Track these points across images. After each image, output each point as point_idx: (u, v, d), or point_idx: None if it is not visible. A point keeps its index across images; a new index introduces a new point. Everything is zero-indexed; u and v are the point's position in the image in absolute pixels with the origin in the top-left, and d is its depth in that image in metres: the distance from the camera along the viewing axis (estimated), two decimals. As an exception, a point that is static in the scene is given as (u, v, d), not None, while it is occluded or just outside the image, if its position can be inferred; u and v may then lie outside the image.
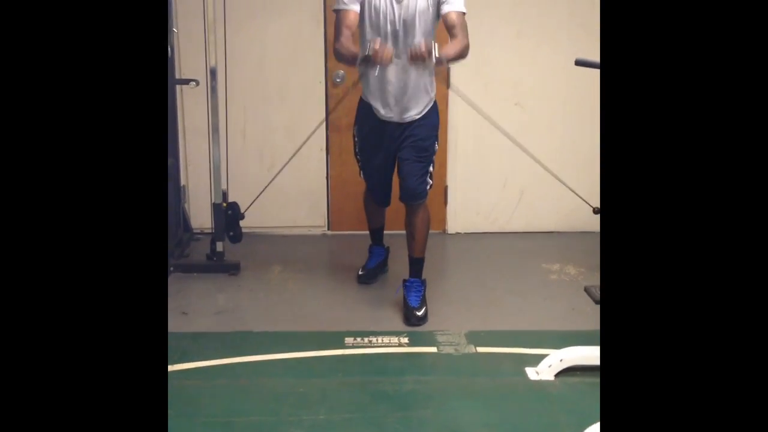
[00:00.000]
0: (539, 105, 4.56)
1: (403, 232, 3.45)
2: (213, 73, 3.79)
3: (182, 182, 4.41)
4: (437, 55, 2.87)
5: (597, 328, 3.12)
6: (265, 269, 3.99)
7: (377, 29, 3.15)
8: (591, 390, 2.66)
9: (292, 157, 3.62)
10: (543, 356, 2.83)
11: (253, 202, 3.76)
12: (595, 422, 2.30)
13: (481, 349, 3.02)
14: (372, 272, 3.82)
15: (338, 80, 4.43)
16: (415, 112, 3.25)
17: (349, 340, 3.09)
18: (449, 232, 4.71)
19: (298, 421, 2.47)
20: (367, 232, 3.87)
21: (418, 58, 2.87)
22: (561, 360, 2.75)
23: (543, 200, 4.62)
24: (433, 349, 3.03)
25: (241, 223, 3.88)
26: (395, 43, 3.14)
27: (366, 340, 3.10)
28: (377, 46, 2.85)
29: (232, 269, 3.92)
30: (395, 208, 3.58)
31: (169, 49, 3.92)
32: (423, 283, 3.41)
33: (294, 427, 2.44)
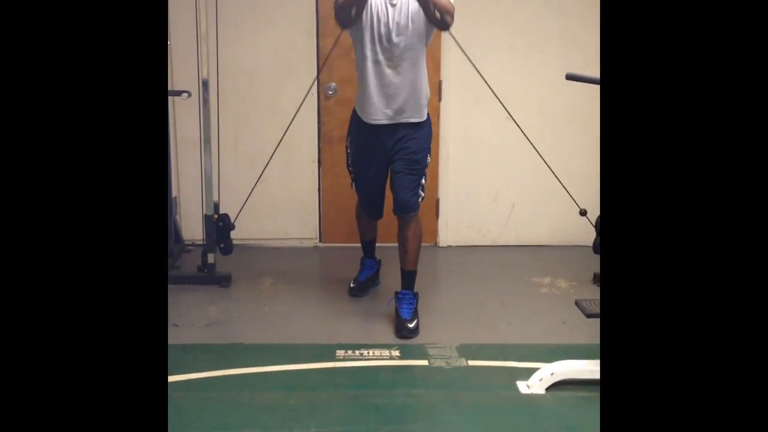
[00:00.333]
0: (531, 119, 4.57)
1: (395, 244, 3.45)
2: (205, 84, 3.80)
3: (174, 194, 4.40)
4: None
5: (588, 341, 3.15)
6: (256, 281, 3.98)
7: (371, 31, 3.16)
8: (582, 404, 2.66)
9: (269, 163, 3.61)
10: (534, 370, 2.82)
11: (241, 210, 3.75)
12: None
13: (472, 363, 3.02)
14: (363, 285, 3.82)
15: (330, 92, 4.44)
16: (409, 114, 3.25)
17: (340, 352, 3.08)
18: (441, 245, 4.71)
19: (289, 435, 2.46)
20: (359, 244, 3.87)
21: None
22: (552, 374, 2.75)
23: (534, 214, 4.63)
24: (425, 362, 3.03)
25: (233, 234, 3.87)
26: (389, 46, 3.16)
27: (357, 352, 3.09)
28: None
29: (223, 281, 3.91)
30: (387, 221, 3.58)
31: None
32: (415, 295, 3.41)
33: (285, 441, 2.43)
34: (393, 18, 3.14)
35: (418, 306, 3.41)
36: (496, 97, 3.48)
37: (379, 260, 3.89)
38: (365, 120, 3.30)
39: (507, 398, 2.73)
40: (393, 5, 3.14)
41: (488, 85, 3.44)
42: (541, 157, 3.54)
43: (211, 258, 3.92)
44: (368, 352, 3.10)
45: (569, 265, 4.24)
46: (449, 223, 4.69)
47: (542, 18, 4.44)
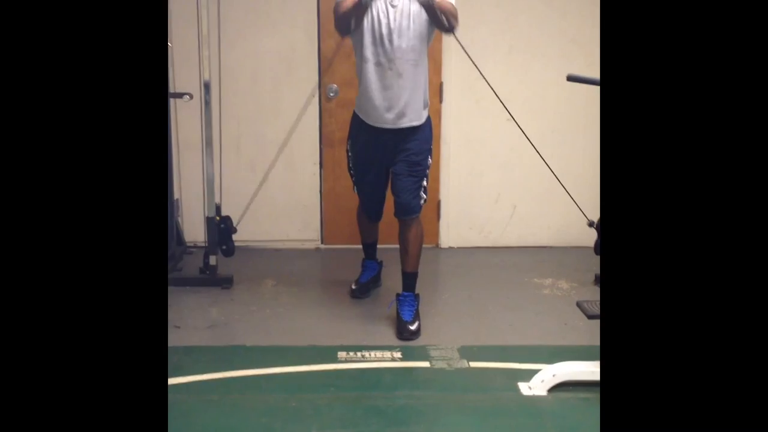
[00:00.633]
0: (532, 120, 4.58)
1: (397, 246, 3.45)
2: (207, 87, 3.80)
3: (175, 196, 4.41)
4: None
5: (589, 343, 3.14)
6: (258, 283, 3.99)
7: (372, 32, 3.16)
8: (583, 405, 2.66)
9: (277, 159, 3.62)
10: (535, 371, 2.82)
11: (244, 213, 3.75)
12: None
13: (473, 364, 3.02)
14: (365, 286, 3.82)
15: (332, 94, 4.45)
16: (410, 118, 3.25)
17: (341, 354, 3.09)
18: (442, 246, 4.72)
19: (291, 436, 2.47)
20: (360, 246, 3.87)
21: None
22: (553, 375, 2.75)
23: (535, 215, 4.63)
24: (426, 364, 3.03)
25: (235, 236, 3.88)
26: (390, 47, 3.15)
27: (359, 354, 3.09)
28: None
29: (225, 283, 3.91)
30: (389, 223, 3.59)
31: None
32: (416, 297, 3.41)
33: (286, 442, 2.44)
34: (394, 19, 3.14)
35: (420, 308, 3.41)
36: (498, 97, 3.49)
37: (381, 262, 3.89)
38: (368, 122, 3.30)
39: (508, 400, 2.73)
40: (394, 6, 3.14)
41: (491, 86, 3.45)
42: (545, 161, 3.54)
43: (212, 260, 3.92)
44: (370, 354, 3.10)
45: (571, 267, 4.24)
46: (450, 224, 4.70)
47: (543, 20, 4.44)
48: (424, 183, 3.36)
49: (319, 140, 4.51)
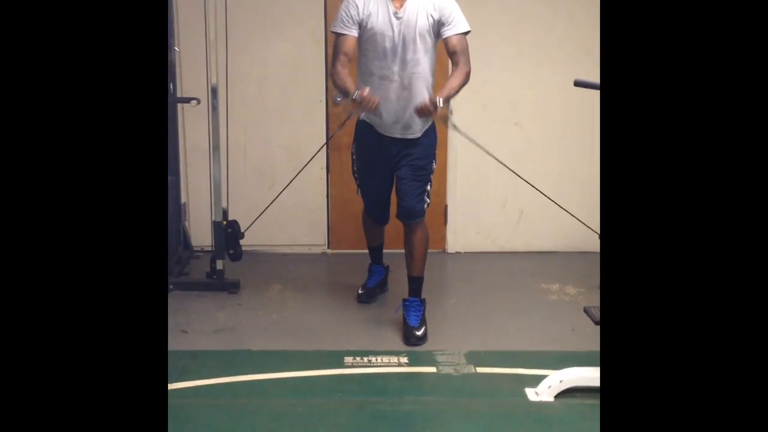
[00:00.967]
0: (539, 125, 4.58)
1: (403, 251, 3.45)
2: (214, 91, 3.81)
3: (183, 200, 4.42)
4: (441, 105, 3.00)
5: (597, 348, 3.11)
6: (264, 288, 3.99)
7: (376, 46, 3.17)
8: (591, 411, 2.65)
9: (294, 178, 3.62)
10: (543, 377, 2.81)
11: (253, 222, 3.76)
12: (595, 444, 2.29)
13: (480, 370, 3.01)
14: (371, 291, 3.82)
15: (338, 99, 4.45)
16: (417, 129, 3.26)
17: (348, 359, 3.08)
18: (449, 251, 4.71)
19: (297, 442, 2.46)
20: (367, 251, 3.87)
21: (425, 113, 3.05)
22: (561, 381, 2.74)
23: (543, 220, 4.62)
24: (433, 369, 3.02)
25: (242, 241, 3.88)
26: (394, 60, 3.16)
27: (365, 359, 3.09)
28: (365, 94, 2.97)
29: (232, 287, 3.91)
30: (395, 227, 3.58)
31: (169, 67, 3.95)
32: (423, 302, 3.41)
33: (293, 448, 2.43)
34: (399, 32, 3.13)
35: (426, 313, 3.40)
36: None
37: (387, 266, 3.89)
38: (376, 128, 3.31)
39: (515, 406, 2.72)
40: (398, 18, 3.13)
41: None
42: (532, 184, 3.52)
43: (219, 264, 3.93)
44: (376, 359, 3.09)
45: (578, 272, 4.23)
46: (457, 229, 4.69)
47: (550, 25, 4.44)
48: (428, 187, 3.36)
49: (326, 145, 4.50)
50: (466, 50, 3.17)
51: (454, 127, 3.17)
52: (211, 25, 3.73)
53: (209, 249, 4.12)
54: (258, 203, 3.82)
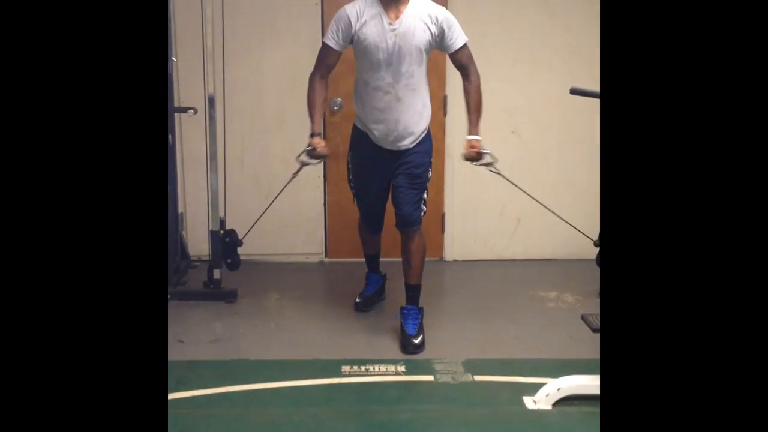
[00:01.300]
0: (535, 133, 4.59)
1: (400, 259, 3.45)
2: (211, 101, 3.82)
3: (180, 209, 4.42)
4: (486, 151, 3.26)
5: (595, 356, 3.11)
6: (262, 297, 3.98)
7: (370, 57, 3.18)
8: (589, 419, 2.65)
9: (287, 184, 3.62)
10: (540, 385, 2.81)
11: (251, 229, 3.76)
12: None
13: (478, 378, 3.00)
14: (369, 300, 3.81)
15: (336, 108, 4.46)
16: (409, 141, 3.28)
17: (345, 368, 3.07)
18: (447, 259, 4.71)
19: (294, 451, 2.45)
20: (364, 259, 3.87)
21: (474, 159, 3.26)
22: (559, 389, 2.74)
23: (540, 228, 4.62)
24: (430, 378, 3.02)
25: (239, 250, 3.87)
26: (388, 71, 3.17)
27: (362, 368, 3.08)
28: (318, 149, 3.23)
29: (229, 297, 3.91)
30: (392, 236, 3.58)
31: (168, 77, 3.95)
32: (420, 310, 3.40)
33: (290, 457, 2.42)
34: (395, 43, 3.14)
35: (424, 321, 3.40)
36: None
37: (385, 275, 3.88)
38: (367, 139, 3.33)
39: (513, 414, 2.72)
40: (394, 30, 3.14)
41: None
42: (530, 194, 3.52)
43: (217, 274, 3.92)
44: (373, 368, 3.09)
45: (576, 279, 4.22)
46: (455, 237, 4.69)
47: (547, 33, 4.45)
48: (425, 195, 3.36)
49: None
50: (472, 59, 3.27)
51: (498, 172, 3.27)
52: (208, 34, 3.74)
53: (206, 258, 4.12)
54: (255, 212, 3.82)
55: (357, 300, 3.82)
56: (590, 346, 3.23)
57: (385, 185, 3.40)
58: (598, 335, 2.71)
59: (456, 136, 4.52)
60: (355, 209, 3.67)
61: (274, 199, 3.70)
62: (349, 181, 3.55)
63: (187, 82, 4.26)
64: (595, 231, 3.86)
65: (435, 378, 3.01)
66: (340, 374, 3.02)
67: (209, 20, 3.73)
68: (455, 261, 4.70)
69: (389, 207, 3.46)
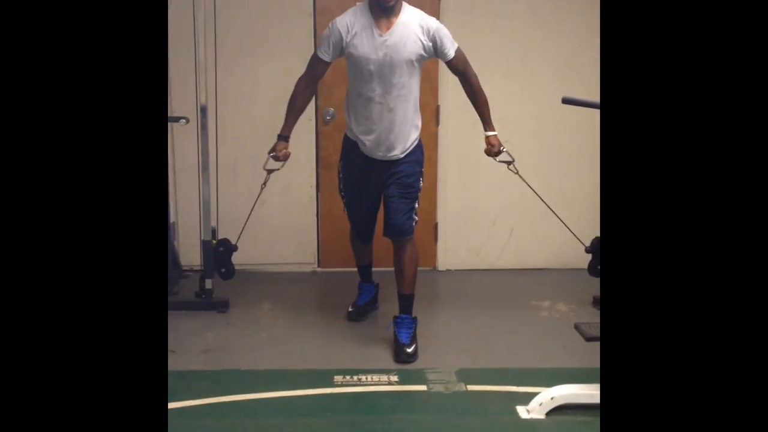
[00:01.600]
0: (528, 143, 4.59)
1: (393, 269, 3.44)
2: (203, 111, 3.81)
3: (172, 219, 4.40)
4: (504, 148, 3.43)
5: (588, 365, 3.12)
6: (254, 306, 3.97)
7: (361, 69, 3.19)
8: (582, 428, 2.64)
9: (264, 188, 3.61)
10: (534, 394, 2.80)
11: (239, 237, 3.74)
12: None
13: (471, 387, 2.99)
14: (362, 309, 3.80)
15: (328, 118, 4.46)
16: (399, 151, 3.28)
17: (338, 378, 3.06)
18: (440, 269, 4.70)
19: (286, 462, 2.44)
20: (357, 269, 3.86)
21: (495, 155, 3.42)
22: (552, 398, 2.73)
23: (533, 237, 4.62)
24: (423, 387, 3.01)
25: (232, 260, 3.86)
26: (379, 83, 3.18)
27: (355, 378, 3.07)
28: (279, 153, 3.37)
29: (221, 307, 3.89)
30: (385, 245, 3.57)
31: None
32: (413, 320, 3.39)
33: (282, 468, 2.40)
34: (386, 55, 3.15)
35: (417, 330, 3.38)
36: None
37: (377, 284, 3.88)
38: (358, 149, 3.33)
39: (507, 423, 2.71)
40: (385, 42, 3.15)
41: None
42: (534, 190, 3.53)
43: (208, 284, 3.91)
44: (366, 378, 3.07)
45: (569, 289, 4.22)
46: (448, 246, 4.68)
47: (539, 45, 4.47)
48: (416, 205, 3.36)
49: (315, 163, 4.51)
50: (467, 62, 3.33)
51: (515, 171, 3.47)
52: (200, 44, 3.74)
53: (198, 268, 4.10)
54: (248, 222, 3.81)
55: (350, 309, 3.80)
56: (584, 356, 3.22)
57: (376, 195, 3.40)
58: (591, 344, 2.71)
59: (448, 146, 4.53)
60: (347, 219, 3.66)
61: (253, 206, 3.69)
62: (340, 190, 3.55)
63: (179, 92, 4.25)
64: (587, 239, 3.87)
65: (428, 387, 3.00)
66: (332, 384, 3.01)
67: (201, 30, 3.73)
68: (448, 270, 4.70)
69: (380, 217, 3.46)
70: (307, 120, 4.44)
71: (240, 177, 4.49)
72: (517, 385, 2.99)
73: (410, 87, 3.22)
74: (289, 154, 3.41)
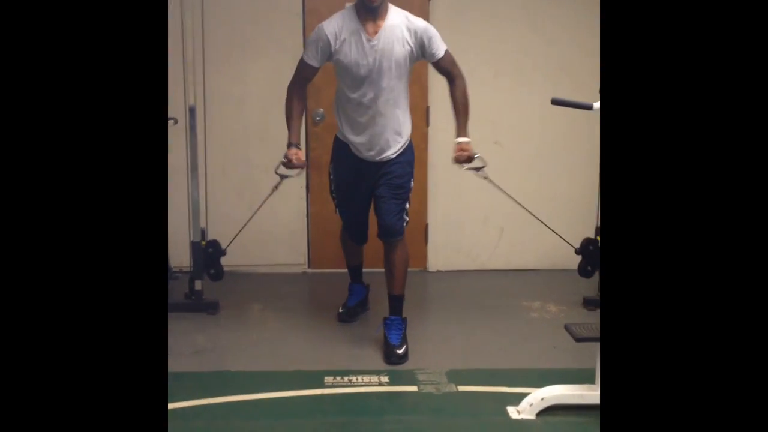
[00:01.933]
0: (518, 144, 4.61)
1: (383, 270, 3.44)
2: (192, 111, 3.79)
3: (161, 221, 4.38)
4: (477, 154, 3.30)
5: (578, 366, 3.13)
6: (244, 308, 3.95)
7: (350, 74, 3.19)
8: (573, 429, 2.64)
9: (266, 199, 3.60)
10: (524, 395, 2.80)
11: (232, 241, 3.73)
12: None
13: (462, 388, 2.99)
14: (352, 310, 3.79)
15: (318, 119, 4.45)
16: (390, 152, 3.28)
17: (328, 379, 3.05)
18: (430, 269, 4.70)
19: (276, 463, 2.43)
20: (347, 270, 3.85)
21: (465, 161, 3.28)
22: (542, 399, 2.73)
23: (523, 238, 4.63)
24: (414, 388, 3.00)
25: (221, 261, 3.84)
26: (369, 87, 3.18)
27: (346, 379, 3.06)
28: (293, 158, 3.25)
29: (211, 308, 3.87)
30: (375, 246, 3.57)
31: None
32: (403, 321, 3.39)
33: (272, 470, 2.40)
34: (375, 59, 3.15)
35: (407, 331, 3.38)
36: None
37: (368, 285, 3.87)
38: (349, 150, 3.32)
39: (497, 424, 2.71)
40: (373, 46, 3.14)
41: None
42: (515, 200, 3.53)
43: (198, 285, 3.89)
44: (357, 379, 3.07)
45: (559, 290, 4.23)
46: (438, 247, 4.68)
47: (528, 45, 4.48)
48: (407, 205, 3.36)
49: (306, 164, 4.50)
50: (456, 63, 3.28)
51: (486, 177, 3.28)
52: (189, 44, 3.72)
53: (188, 270, 4.08)
54: (238, 223, 3.79)
55: (340, 310, 3.80)
56: (574, 356, 3.23)
57: (367, 196, 3.39)
58: (581, 345, 2.71)
59: (439, 147, 4.53)
60: (337, 220, 3.66)
61: (255, 212, 3.67)
62: (331, 192, 3.55)
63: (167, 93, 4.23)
64: (576, 240, 3.88)
65: (418, 388, 3.00)
66: (323, 385, 3.00)
67: (189, 30, 3.72)
68: (439, 271, 4.70)
69: (372, 217, 3.45)
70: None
71: (229, 178, 4.48)
72: (508, 385, 2.99)
73: (400, 90, 3.23)
74: (303, 159, 3.34)
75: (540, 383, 2.83)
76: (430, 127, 4.52)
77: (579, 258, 3.90)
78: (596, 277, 3.99)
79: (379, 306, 3.71)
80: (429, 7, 4.35)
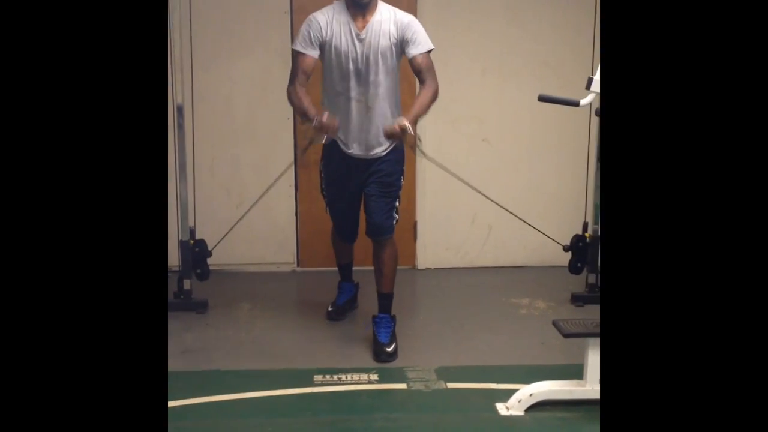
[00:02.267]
0: (506, 141, 4.62)
1: (373, 268, 3.44)
2: (180, 110, 3.78)
3: (149, 220, 4.36)
4: (410, 131, 3.04)
5: (566, 362, 3.15)
6: (233, 307, 3.95)
7: (340, 67, 3.18)
8: (561, 424, 2.66)
9: (261, 196, 3.60)
10: (513, 391, 2.81)
11: (221, 240, 3.73)
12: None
13: (451, 385, 3.00)
14: (341, 309, 3.79)
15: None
16: (380, 150, 3.28)
17: (318, 377, 3.05)
18: (419, 267, 4.71)
19: (266, 462, 2.43)
20: (336, 268, 3.85)
21: (394, 138, 3.10)
22: (531, 395, 2.74)
23: (511, 235, 4.64)
24: (403, 386, 3.01)
25: (210, 260, 3.84)
26: (358, 81, 3.17)
27: (335, 377, 3.06)
28: (324, 120, 3.05)
29: (200, 307, 3.86)
30: (364, 244, 3.57)
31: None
32: (392, 318, 3.40)
33: (262, 468, 2.40)
34: (362, 53, 3.14)
35: (396, 329, 3.39)
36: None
37: (357, 283, 3.87)
38: (339, 148, 3.32)
39: (486, 420, 2.72)
40: (361, 40, 3.14)
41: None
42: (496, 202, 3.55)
43: (187, 284, 3.88)
44: (346, 377, 3.07)
45: (547, 286, 4.25)
46: (427, 245, 4.69)
47: (515, 43, 4.49)
48: (396, 203, 3.36)
49: (294, 162, 4.49)
50: (431, 68, 3.19)
51: (422, 153, 3.22)
52: (176, 42, 3.71)
53: (176, 269, 4.07)
54: (226, 222, 3.79)
55: (329, 309, 3.80)
56: (562, 352, 3.24)
57: (357, 194, 3.39)
58: (569, 341, 2.73)
59: (429, 145, 4.52)
60: (326, 218, 3.66)
61: (251, 206, 3.67)
62: (322, 190, 3.54)
63: (155, 91, 4.22)
64: (565, 237, 3.90)
65: (408, 386, 3.00)
66: (312, 383, 3.00)
67: (176, 28, 3.70)
68: (428, 269, 4.71)
69: (362, 216, 3.45)
70: (284, 119, 4.44)
71: (217, 177, 4.47)
72: (497, 382, 3.00)
73: (389, 85, 3.22)
74: (337, 123, 3.12)
75: (529, 379, 2.84)
76: (418, 125, 4.52)
77: (567, 255, 3.92)
78: (584, 273, 4.01)
79: (368, 304, 3.71)
80: (416, 4, 4.35)
